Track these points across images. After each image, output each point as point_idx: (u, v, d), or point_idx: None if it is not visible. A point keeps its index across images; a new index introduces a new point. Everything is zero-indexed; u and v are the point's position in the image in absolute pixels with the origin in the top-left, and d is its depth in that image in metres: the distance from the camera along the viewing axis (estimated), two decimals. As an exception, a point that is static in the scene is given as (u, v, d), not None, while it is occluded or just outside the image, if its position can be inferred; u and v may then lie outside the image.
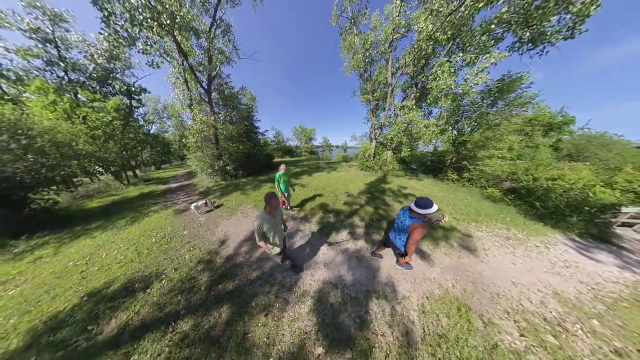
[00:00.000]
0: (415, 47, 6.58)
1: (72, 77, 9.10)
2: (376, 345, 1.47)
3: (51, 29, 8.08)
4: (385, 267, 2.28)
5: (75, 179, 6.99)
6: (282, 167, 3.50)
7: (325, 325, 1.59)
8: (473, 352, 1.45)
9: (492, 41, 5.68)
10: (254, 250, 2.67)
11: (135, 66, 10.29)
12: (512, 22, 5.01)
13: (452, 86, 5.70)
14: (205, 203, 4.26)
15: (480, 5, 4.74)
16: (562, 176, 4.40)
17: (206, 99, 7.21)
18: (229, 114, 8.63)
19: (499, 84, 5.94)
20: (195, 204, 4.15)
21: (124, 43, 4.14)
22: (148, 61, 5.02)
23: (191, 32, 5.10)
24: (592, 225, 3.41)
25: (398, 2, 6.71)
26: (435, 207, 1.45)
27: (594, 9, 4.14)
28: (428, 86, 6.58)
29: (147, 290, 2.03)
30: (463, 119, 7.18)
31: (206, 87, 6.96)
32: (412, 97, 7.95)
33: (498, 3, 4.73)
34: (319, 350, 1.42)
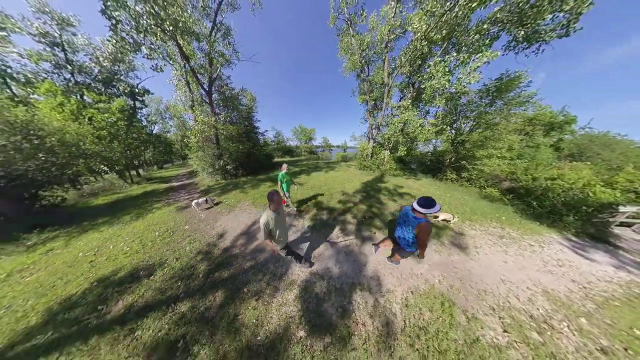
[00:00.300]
0: (410, 47, 6.65)
1: (79, 79, 9.41)
2: (355, 333, 1.56)
3: (59, 33, 8.39)
4: (372, 262, 2.35)
5: (81, 178, 7.24)
6: (284, 167, 3.50)
7: (309, 312, 1.72)
8: (452, 345, 1.48)
9: (488, 40, 5.71)
10: (249, 243, 2.85)
11: (138, 68, 10.57)
12: (506, 21, 5.06)
13: (447, 85, 5.77)
14: (206, 200, 4.47)
15: (474, 6, 4.80)
16: (562, 176, 4.37)
17: (207, 101, 7.44)
18: (229, 115, 8.85)
19: (497, 83, 5.99)
20: (196, 201, 4.35)
21: (129, 49, 4.38)
22: (152, 65, 5.26)
23: (193, 37, 5.33)
24: (589, 224, 3.38)
25: (393, 3, 6.79)
26: (438, 206, 1.43)
27: (587, 6, 4.19)
28: (422, 86, 6.66)
29: (151, 277, 2.22)
30: (460, 118, 7.26)
31: (207, 89, 7.18)
32: (408, 96, 8.04)
33: (491, 3, 4.76)
34: (301, 333, 1.55)
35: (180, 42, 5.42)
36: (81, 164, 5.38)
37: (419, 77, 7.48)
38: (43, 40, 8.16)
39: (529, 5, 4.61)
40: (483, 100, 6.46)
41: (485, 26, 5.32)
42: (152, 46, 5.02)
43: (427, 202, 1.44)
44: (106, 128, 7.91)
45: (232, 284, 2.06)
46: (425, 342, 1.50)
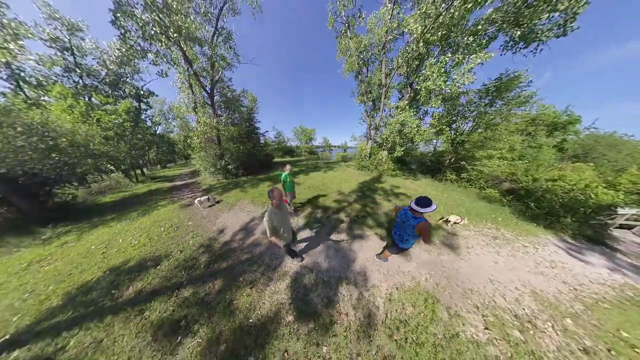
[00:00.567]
0: (407, 48, 6.68)
1: (87, 82, 9.78)
2: (338, 321, 1.67)
3: (68, 38, 8.75)
4: (360, 259, 2.44)
5: (89, 176, 7.57)
6: (288, 168, 3.52)
7: (298, 300, 1.88)
8: (431, 338, 1.53)
9: (484, 41, 5.69)
10: (246, 238, 3.06)
11: (143, 71, 10.90)
12: (501, 22, 5.02)
13: (442, 87, 5.76)
14: (208, 199, 4.70)
15: (469, 6, 4.79)
16: (563, 177, 4.26)
17: (209, 103, 7.69)
18: (230, 116, 9.10)
19: (496, 83, 5.87)
20: (198, 199, 4.59)
21: (137, 56, 4.64)
22: (158, 71, 5.52)
23: (195, 42, 5.57)
24: (586, 226, 3.31)
25: (390, 5, 6.84)
26: (434, 206, 1.49)
27: (582, 6, 4.19)
28: (417, 87, 6.69)
29: (157, 267, 2.44)
30: (459, 118, 7.18)
31: (209, 92, 7.43)
32: (406, 97, 8.05)
33: (486, 4, 4.76)
34: (290, 318, 1.71)
35: (184, 47, 5.68)
36: (90, 164, 5.67)
37: (415, 77, 7.54)
38: (54, 45, 8.54)
39: (525, 5, 4.61)
40: (482, 101, 6.39)
41: (480, 27, 5.33)
42: (158, 52, 5.29)
43: (424, 201, 1.51)
44: (113, 129, 8.23)
45: (229, 274, 2.27)
46: (404, 334, 1.56)
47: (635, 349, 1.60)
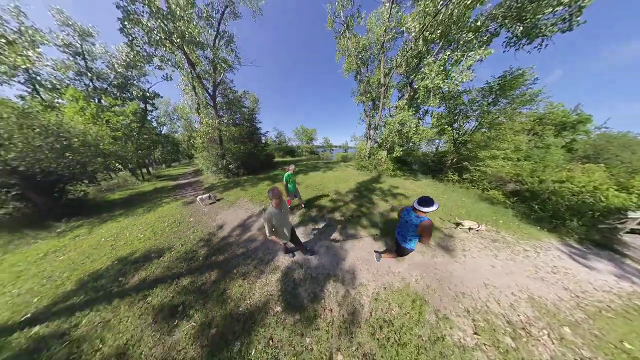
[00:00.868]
0: (405, 47, 6.65)
1: (97, 85, 10.25)
2: (321, 316, 1.72)
3: (80, 43, 9.20)
4: (351, 258, 2.45)
5: (98, 175, 7.97)
6: (291, 168, 3.55)
7: (286, 293, 1.97)
8: (414, 340, 1.50)
9: (485, 38, 5.51)
10: (243, 234, 3.23)
11: (149, 74, 11.31)
12: (501, 17, 4.85)
13: (441, 85, 5.61)
14: (209, 196, 4.92)
15: (468, 3, 4.65)
16: (571, 178, 4.07)
17: (212, 104, 7.94)
18: (232, 117, 9.35)
19: (500, 81, 5.65)
20: (200, 197, 4.81)
21: (143, 61, 4.90)
22: (163, 75, 5.78)
23: (198, 46, 5.80)
24: (594, 230, 3.13)
25: (388, 4, 6.77)
26: (436, 205, 1.53)
27: None
28: (416, 86, 6.58)
29: (160, 258, 2.64)
30: (460, 118, 6.96)
31: (211, 93, 7.69)
32: (406, 96, 7.87)
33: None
34: (278, 308, 1.81)
35: (187, 51, 5.92)
36: (100, 162, 6.00)
37: (414, 76, 7.48)
38: (67, 50, 9.01)
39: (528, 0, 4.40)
40: (485, 99, 6.14)
41: (479, 23, 5.19)
42: (163, 56, 5.55)
43: (426, 201, 1.55)
44: (121, 129, 8.62)
45: (225, 266, 2.44)
46: (387, 333, 1.55)
47: (639, 362, 1.44)
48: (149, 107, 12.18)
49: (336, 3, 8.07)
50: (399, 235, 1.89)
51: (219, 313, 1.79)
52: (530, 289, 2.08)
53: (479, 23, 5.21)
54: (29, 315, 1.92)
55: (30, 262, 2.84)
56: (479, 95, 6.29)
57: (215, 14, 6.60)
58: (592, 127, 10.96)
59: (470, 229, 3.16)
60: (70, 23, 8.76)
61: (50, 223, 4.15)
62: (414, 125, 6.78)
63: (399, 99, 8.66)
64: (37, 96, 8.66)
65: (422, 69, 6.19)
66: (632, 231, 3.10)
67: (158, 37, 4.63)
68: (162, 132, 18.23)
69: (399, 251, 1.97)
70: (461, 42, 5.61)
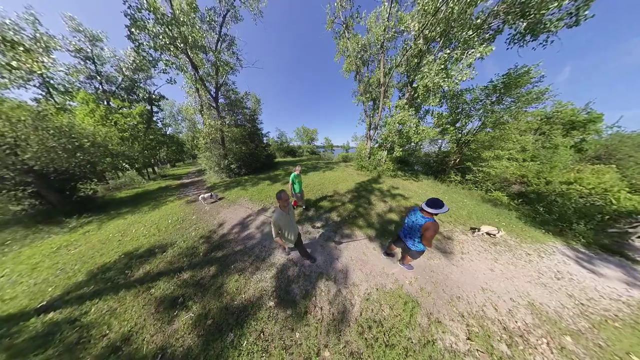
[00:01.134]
0: (405, 46, 6.56)
1: (106, 88, 10.66)
2: (312, 312, 1.76)
3: (90, 48, 9.61)
4: (345, 258, 2.48)
5: (106, 174, 8.31)
6: (298, 169, 3.53)
7: (279, 289, 2.04)
8: (403, 342, 1.49)
9: (488, 35, 5.37)
10: (242, 232, 3.36)
11: (155, 76, 11.68)
12: (503, 13, 4.71)
13: (441, 84, 5.49)
14: (211, 195, 5.08)
15: (469, 0, 4.51)
16: (580, 180, 3.95)
17: (214, 105, 8.15)
18: (234, 118, 9.55)
19: (504, 79, 5.53)
20: (202, 195, 4.99)
21: (149, 65, 5.12)
22: (168, 79, 6.01)
23: (201, 50, 5.99)
24: (603, 235, 3.00)
25: (387, 4, 6.72)
26: (446, 207, 1.48)
27: None
28: (415, 85, 6.41)
29: (164, 253, 2.79)
30: (463, 117, 6.89)
31: (214, 95, 7.89)
32: (406, 96, 7.76)
33: None
34: (270, 303, 1.88)
35: (190, 55, 6.12)
36: (108, 162, 6.28)
37: (414, 75, 7.39)
38: (78, 55, 9.42)
39: None
40: (489, 98, 6.00)
41: (479, 20, 5.06)
42: (167, 60, 5.77)
43: (435, 203, 1.51)
44: (128, 130, 8.96)
45: (223, 262, 2.55)
46: (376, 334, 1.55)
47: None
48: (155, 109, 12.56)
49: (335, 4, 8.13)
50: (406, 238, 1.84)
51: (216, 305, 1.90)
52: (531, 294, 1.99)
53: (478, 20, 5.11)
54: (44, 302, 2.08)
55: (44, 255, 3.05)
56: (482, 94, 6.20)
57: (218, 17, 6.79)
58: (603, 127, 10.55)
59: (488, 234, 2.99)
60: (81, 29, 9.16)
61: (62, 219, 4.40)
62: (414, 125, 6.72)
63: (399, 99, 8.61)
64: (51, 99, 9.10)
65: (422, 68, 6.03)
66: None
67: (163, 42, 4.84)
68: (167, 133, 18.73)
69: (409, 254, 1.92)
70: (461, 40, 5.45)
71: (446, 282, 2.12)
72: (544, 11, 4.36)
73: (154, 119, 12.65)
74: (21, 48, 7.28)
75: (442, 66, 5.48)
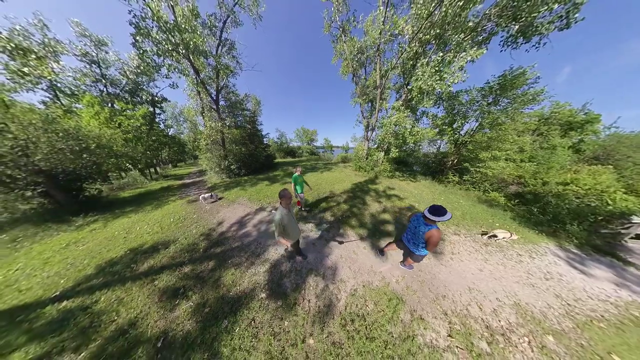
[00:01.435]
0: (400, 49, 6.68)
1: (110, 90, 10.95)
2: (300, 304, 1.88)
3: (96, 52, 9.90)
4: (335, 256, 2.57)
5: (110, 174, 8.55)
6: (299, 169, 3.58)
7: (272, 282, 2.18)
8: (384, 335, 1.54)
9: (482, 37, 5.47)
10: (239, 229, 3.53)
11: (157, 79, 11.96)
12: (495, 16, 4.82)
13: (434, 86, 5.60)
14: (211, 195, 5.27)
15: (461, 4, 4.61)
16: (576, 180, 3.95)
17: (215, 107, 8.37)
18: (234, 120, 9.77)
19: (500, 81, 5.62)
20: (203, 195, 5.18)
21: (152, 70, 5.34)
22: (171, 83, 6.23)
23: (202, 55, 6.20)
24: (596, 235, 3.02)
25: (382, 8, 6.81)
26: (449, 215, 1.47)
27: None
28: (409, 87, 6.52)
29: (166, 249, 2.97)
30: (459, 118, 6.95)
31: (215, 98, 8.11)
32: (402, 98, 7.89)
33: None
34: (263, 295, 2.02)
35: (192, 59, 6.34)
36: (113, 163, 6.51)
37: (409, 78, 7.51)
38: (84, 59, 9.72)
39: None
40: (485, 99, 6.11)
41: (471, 24, 5.17)
42: (170, 65, 6.00)
43: (438, 210, 1.50)
44: (132, 132, 9.20)
45: (221, 257, 2.73)
46: (358, 327, 1.62)
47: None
48: (157, 111, 12.84)
49: (332, 9, 8.31)
50: (409, 242, 1.87)
51: (213, 296, 2.07)
52: (518, 295, 2.02)
53: (470, 24, 5.22)
54: (57, 293, 2.27)
55: (55, 251, 3.25)
56: (479, 95, 6.30)
57: (218, 23, 7.01)
58: (601, 127, 10.63)
59: (503, 238, 2.96)
60: (87, 34, 9.46)
61: (69, 217, 4.61)
62: (409, 126, 6.84)
63: (396, 100, 8.73)
64: (58, 101, 9.39)
65: (416, 70, 6.12)
66: (638, 237, 2.92)
67: (166, 48, 5.06)
68: (169, 134, 19.05)
69: (412, 257, 1.96)
70: (454, 43, 5.57)
71: (433, 282, 2.15)
72: (535, 14, 4.49)
73: (157, 120, 12.93)
74: (33, 56, 7.57)
75: (436, 69, 5.61)
